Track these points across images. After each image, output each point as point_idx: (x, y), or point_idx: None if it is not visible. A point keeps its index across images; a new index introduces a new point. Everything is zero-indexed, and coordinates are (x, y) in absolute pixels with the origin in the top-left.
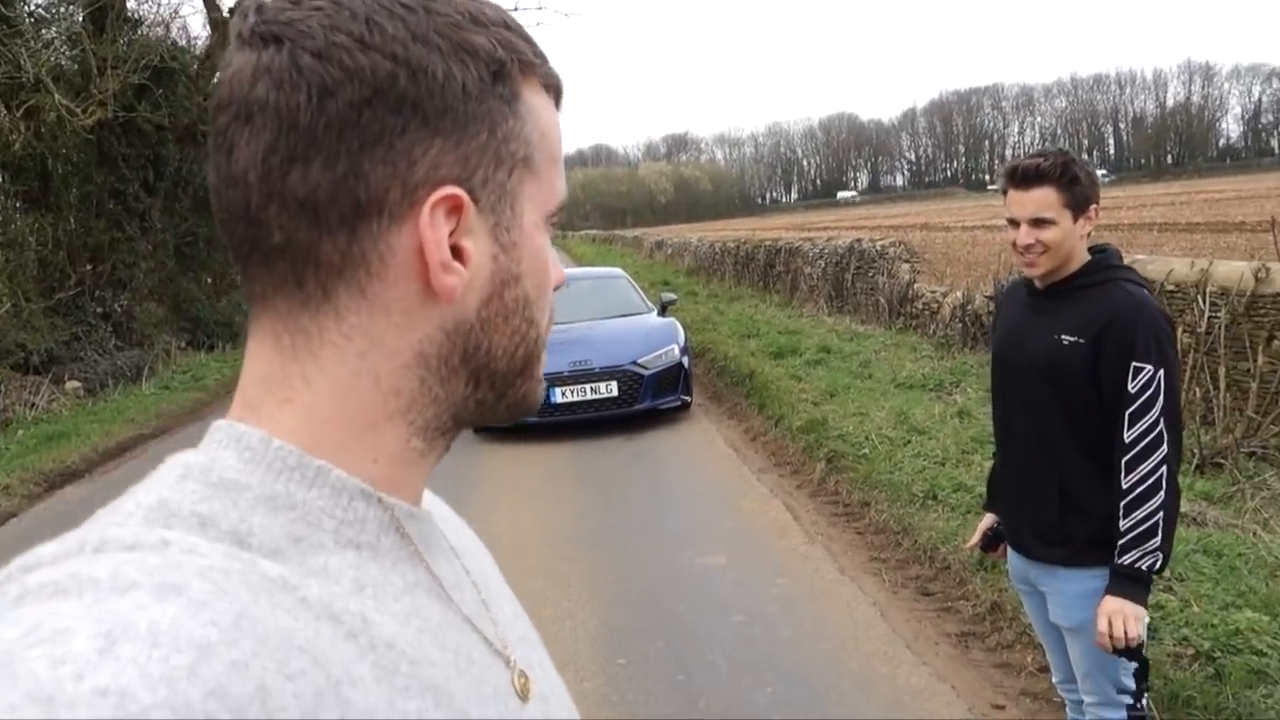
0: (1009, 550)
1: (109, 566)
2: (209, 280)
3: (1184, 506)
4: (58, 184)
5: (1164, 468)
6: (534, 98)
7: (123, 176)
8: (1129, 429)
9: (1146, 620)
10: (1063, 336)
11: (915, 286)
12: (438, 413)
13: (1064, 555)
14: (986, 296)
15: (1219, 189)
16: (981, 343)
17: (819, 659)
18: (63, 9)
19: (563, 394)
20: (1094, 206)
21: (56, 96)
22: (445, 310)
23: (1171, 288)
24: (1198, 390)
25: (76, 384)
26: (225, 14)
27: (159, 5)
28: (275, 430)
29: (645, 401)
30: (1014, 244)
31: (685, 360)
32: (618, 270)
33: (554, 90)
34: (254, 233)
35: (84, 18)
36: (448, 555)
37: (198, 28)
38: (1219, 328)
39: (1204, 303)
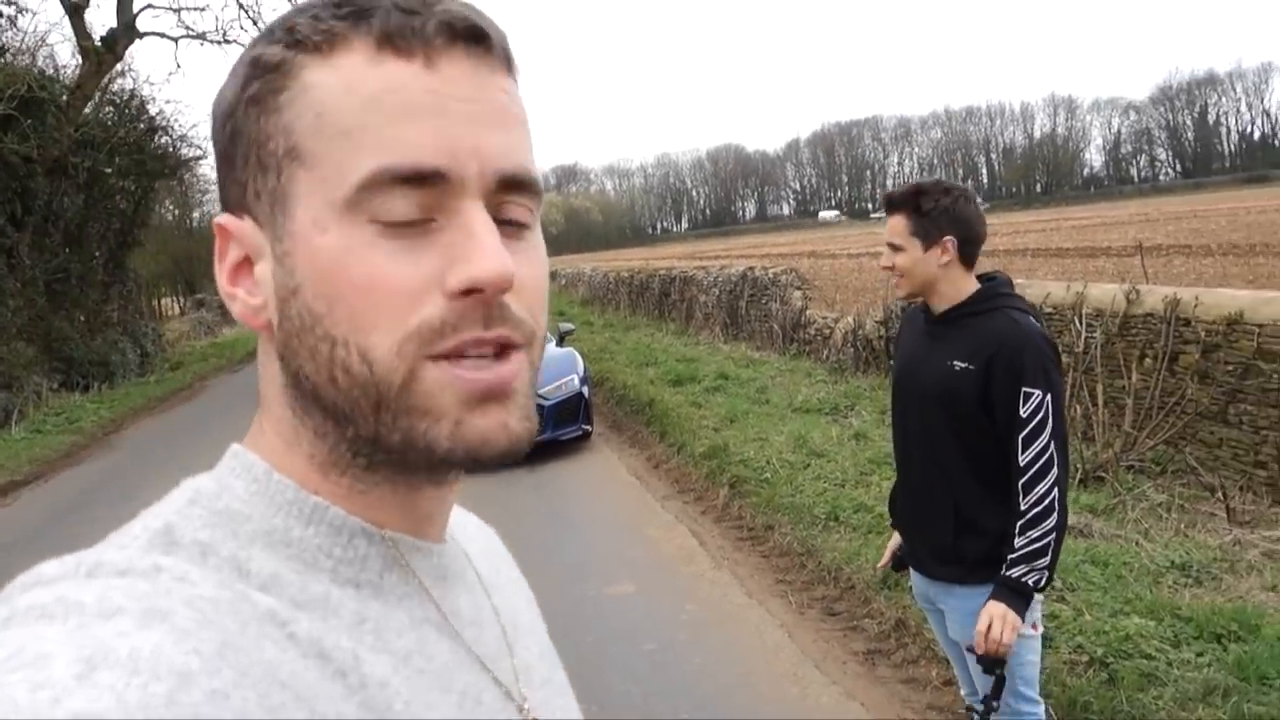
0: (911, 569)
1: (96, 591)
2: (82, 318)
3: (1071, 519)
4: None
5: (1055, 489)
6: (317, 74)
7: None
8: (1023, 453)
9: (1030, 631)
10: (955, 363)
11: (808, 313)
12: (331, 447)
13: (959, 574)
14: (877, 322)
15: (1085, 216)
16: (874, 366)
17: (731, 683)
18: None
19: None
20: (948, 238)
21: None
22: (271, 337)
23: (1050, 310)
24: (1078, 408)
25: None
26: (96, 43)
27: (23, 34)
28: (262, 455)
29: (546, 432)
30: (881, 266)
31: (585, 390)
32: None
33: (378, 41)
34: None
35: None
36: (470, 589)
37: (66, 56)
38: (1095, 347)
39: (1080, 324)
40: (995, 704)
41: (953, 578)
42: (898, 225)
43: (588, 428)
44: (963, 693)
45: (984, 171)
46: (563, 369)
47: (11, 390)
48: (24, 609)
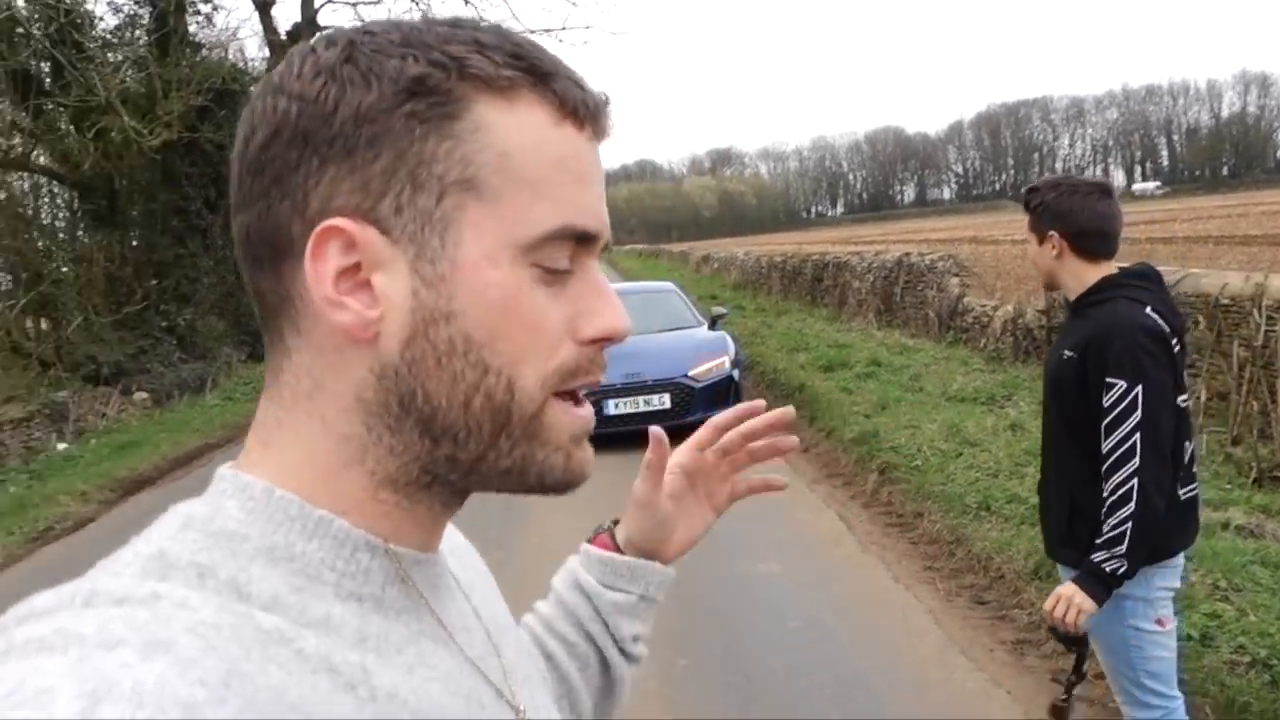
0: None
1: (95, 622)
2: None
3: (1241, 519)
4: (124, 202)
5: (1135, 480)
6: (496, 114)
7: (185, 195)
8: (1104, 441)
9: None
10: (1065, 351)
11: (965, 300)
12: (402, 465)
13: (1074, 557)
14: (1039, 310)
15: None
16: (1034, 356)
17: (875, 664)
18: (128, 34)
19: (616, 406)
20: (1053, 233)
21: (125, 119)
22: (369, 351)
23: (1227, 301)
24: (1255, 404)
25: (144, 395)
26: (282, 37)
27: (217, 30)
28: (259, 474)
29: (697, 413)
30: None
31: (736, 373)
32: (669, 284)
33: (561, 107)
34: (244, 276)
35: (149, 42)
36: (455, 596)
37: (254, 50)
38: (1275, 341)
39: (1260, 316)
40: (1075, 679)
41: (1069, 561)
42: (1026, 222)
43: None
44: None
45: (1164, 154)
46: (716, 352)
47: (206, 361)
48: (21, 642)
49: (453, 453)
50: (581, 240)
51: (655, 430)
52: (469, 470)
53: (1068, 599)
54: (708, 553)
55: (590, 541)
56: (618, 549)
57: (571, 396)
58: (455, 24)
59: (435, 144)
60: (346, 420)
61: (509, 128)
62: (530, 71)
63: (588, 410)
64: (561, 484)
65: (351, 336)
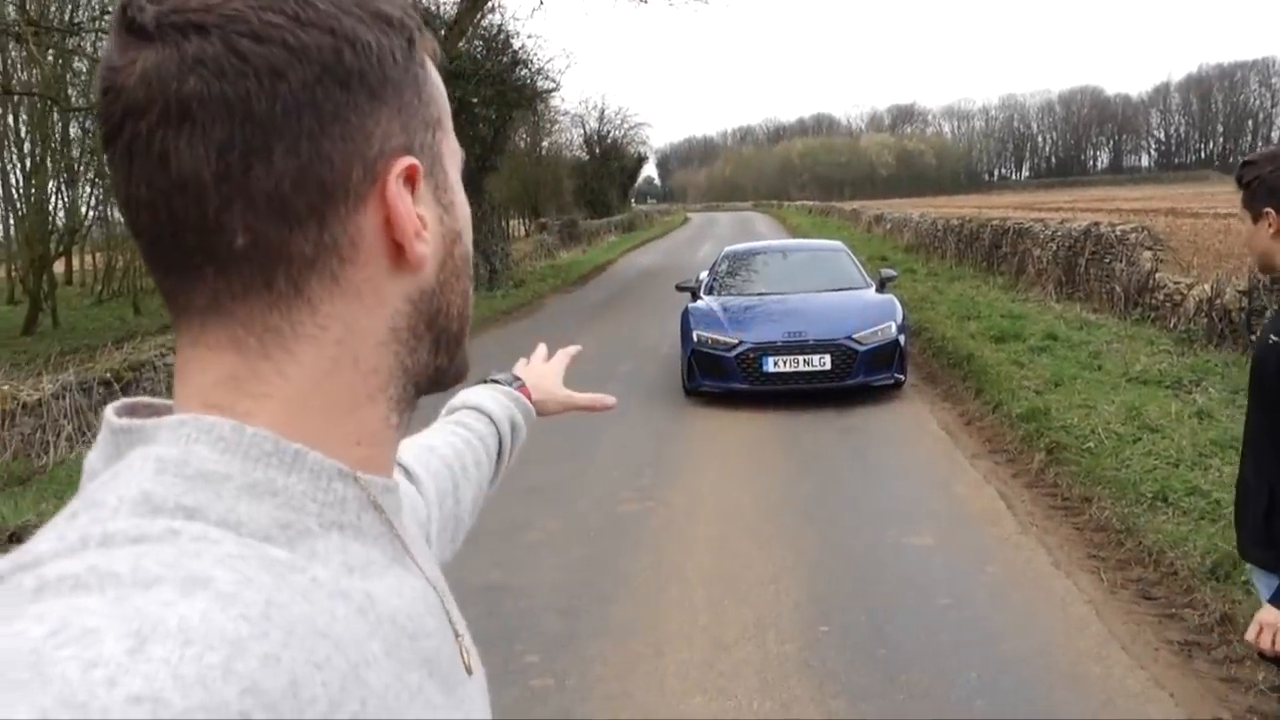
0: None
1: (127, 560)
2: None
3: None
4: None
5: None
6: (424, 55)
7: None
8: None
9: None
10: (1272, 336)
11: (1157, 275)
12: (405, 384)
13: (1269, 558)
14: (1239, 291)
15: None
16: (1230, 340)
17: (1027, 651)
18: None
19: (775, 364)
20: (1268, 210)
21: None
22: (410, 280)
23: None
24: None
25: None
26: None
27: None
28: (254, 424)
29: (858, 377)
30: None
31: (902, 338)
32: (838, 243)
33: (434, 53)
34: (210, 240)
35: None
36: (409, 517)
37: None
38: None
39: None
40: None
41: (1263, 562)
42: (1239, 198)
43: (900, 376)
44: None
45: None
46: (882, 315)
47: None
48: (55, 579)
49: (442, 361)
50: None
51: (612, 399)
52: (439, 375)
53: (1271, 626)
54: (859, 520)
55: (513, 387)
56: (528, 397)
57: None
58: None
59: (427, 87)
60: (379, 353)
61: (431, 70)
62: (420, 25)
63: None
64: (466, 373)
65: (418, 266)
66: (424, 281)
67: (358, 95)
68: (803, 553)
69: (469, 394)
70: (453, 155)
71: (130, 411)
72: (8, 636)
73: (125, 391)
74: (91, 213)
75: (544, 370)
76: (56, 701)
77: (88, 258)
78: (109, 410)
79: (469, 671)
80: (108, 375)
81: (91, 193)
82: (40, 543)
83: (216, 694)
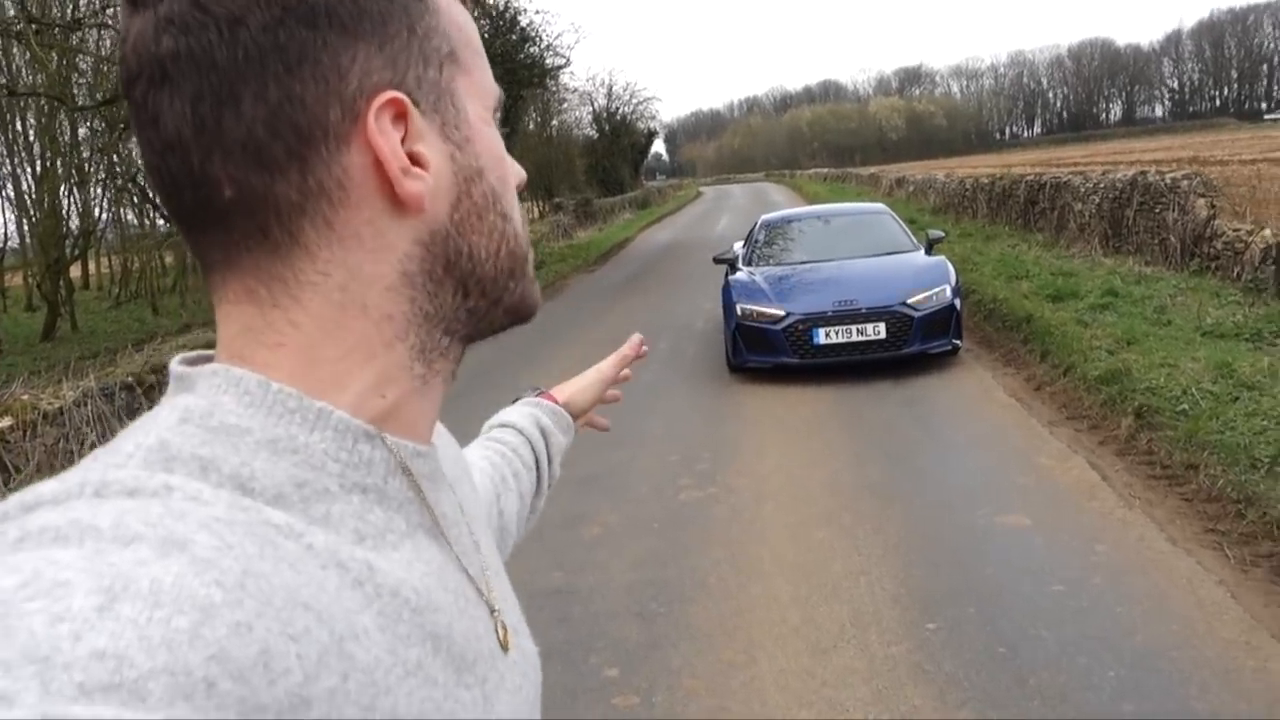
0: None
1: (111, 515)
2: None
3: None
4: None
5: None
6: None
7: None
8: None
9: None
10: None
11: (1215, 224)
12: (430, 331)
13: None
14: None
15: None
16: None
17: (1165, 642)
18: None
19: (826, 335)
20: None
21: None
22: (417, 222)
23: None
24: None
25: None
26: None
27: None
28: (274, 375)
29: (914, 345)
30: None
31: (957, 302)
32: (880, 205)
33: None
34: (204, 194)
35: None
36: (447, 490)
37: None
38: None
39: None
40: None
41: None
42: None
43: (958, 342)
44: None
45: None
46: (936, 278)
47: None
48: (36, 530)
49: (476, 303)
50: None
51: (637, 336)
52: (481, 317)
53: None
54: (942, 501)
55: (539, 395)
56: (554, 401)
57: None
58: None
59: (430, 18)
60: (389, 300)
61: (452, 6)
62: None
63: None
64: (536, 307)
65: (416, 205)
66: (434, 223)
67: (326, 32)
68: (890, 539)
69: (494, 417)
70: (477, 92)
71: (193, 362)
72: None
73: (148, 396)
74: (105, 215)
75: (577, 378)
76: (19, 654)
77: (103, 260)
78: (173, 360)
79: (504, 649)
80: (129, 379)
81: (103, 194)
82: (51, 481)
83: (181, 658)
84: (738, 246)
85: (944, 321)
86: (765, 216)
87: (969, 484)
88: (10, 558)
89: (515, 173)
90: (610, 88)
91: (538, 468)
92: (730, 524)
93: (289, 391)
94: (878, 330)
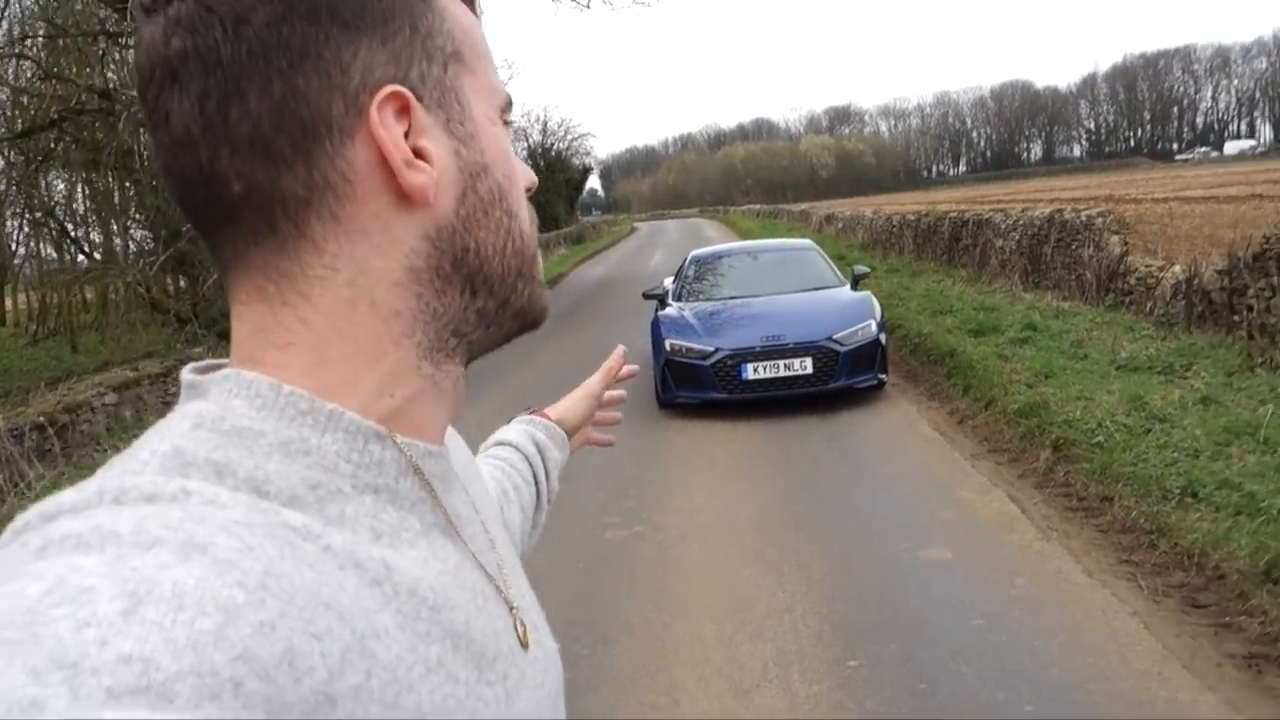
0: None
1: (131, 520)
2: None
3: None
4: None
5: None
6: None
7: None
8: None
9: None
10: None
11: (1128, 260)
12: (438, 330)
13: None
14: (1218, 271)
15: None
16: (1212, 322)
17: (1081, 675)
18: None
19: (754, 370)
20: None
21: None
22: (424, 216)
23: None
24: None
25: None
26: None
27: None
28: (285, 376)
29: (840, 380)
30: None
31: (883, 337)
32: (807, 241)
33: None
34: (214, 190)
35: None
36: (459, 490)
37: None
38: None
39: None
40: None
41: None
42: None
43: (883, 377)
44: None
45: None
46: (860, 314)
47: None
48: (59, 538)
49: (484, 304)
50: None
51: (620, 347)
52: (491, 320)
53: None
54: (866, 535)
55: (530, 413)
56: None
57: None
58: None
59: (432, 19)
60: (398, 295)
61: (457, 7)
62: None
63: None
64: (545, 312)
65: (421, 199)
66: (440, 218)
67: (329, 28)
68: (814, 576)
69: (491, 436)
70: (483, 92)
71: (204, 371)
72: (7, 596)
73: (60, 436)
74: (21, 249)
75: (567, 396)
76: (48, 660)
77: (20, 296)
78: (184, 370)
79: (524, 645)
80: (41, 419)
81: (19, 227)
82: (70, 491)
83: (207, 659)
84: (668, 282)
85: (869, 356)
86: (695, 252)
87: (893, 518)
88: (34, 565)
89: (525, 175)
90: (545, 124)
91: (536, 482)
92: (656, 563)
93: (300, 394)
94: (805, 365)
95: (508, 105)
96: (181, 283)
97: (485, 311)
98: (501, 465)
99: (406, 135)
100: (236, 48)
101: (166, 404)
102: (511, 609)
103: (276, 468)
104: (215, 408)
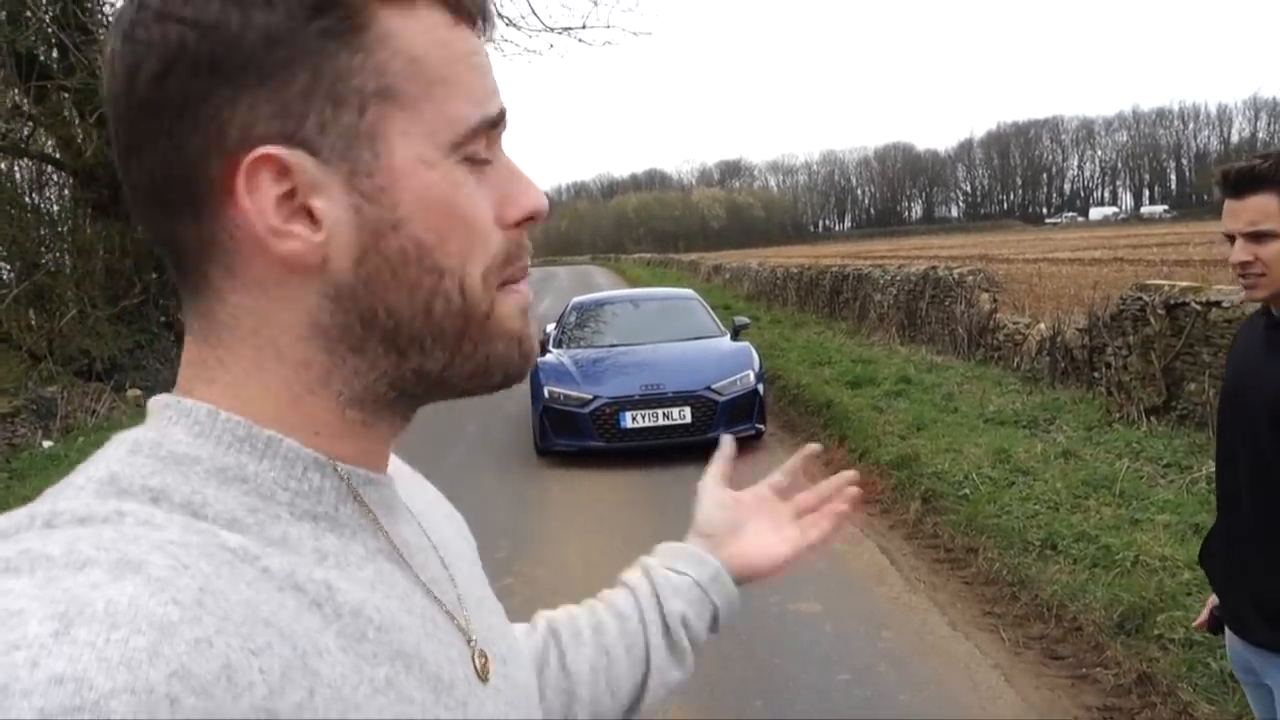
0: (1227, 633)
1: (62, 543)
2: None
3: None
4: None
5: None
6: (400, 21)
7: None
8: None
9: None
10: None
11: (997, 317)
12: (368, 384)
13: None
14: (1079, 329)
15: None
16: (1074, 377)
17: None
18: None
19: (633, 418)
20: None
21: None
22: (317, 277)
23: None
24: None
25: (138, 392)
26: None
27: None
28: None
29: (718, 429)
30: (1231, 263)
31: (760, 387)
32: (689, 291)
33: (456, 9)
34: (144, 230)
35: None
36: (407, 519)
37: None
38: None
39: None
40: None
41: None
42: (1267, 206)
43: (761, 427)
44: None
45: (1173, 178)
46: (739, 364)
47: None
48: None
49: (420, 364)
50: (494, 126)
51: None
52: (437, 380)
53: None
54: (738, 590)
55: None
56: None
57: (512, 283)
58: None
59: (348, 58)
60: (304, 348)
61: (414, 32)
62: None
63: (524, 287)
64: (520, 372)
65: (299, 265)
66: (339, 277)
67: (207, 83)
68: None
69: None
70: (426, 127)
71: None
72: None
73: None
74: None
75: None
76: None
77: None
78: (151, 401)
79: (483, 679)
80: None
81: None
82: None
83: (142, 676)
84: (550, 328)
85: (748, 406)
86: (576, 299)
87: None
88: None
89: (524, 206)
90: None
91: (643, 620)
92: (524, 617)
93: (238, 420)
94: (683, 414)
95: (474, 133)
96: (35, 319)
97: (425, 372)
98: (594, 607)
99: (293, 194)
100: (129, 100)
101: (12, 445)
102: (470, 641)
103: (214, 493)
104: (153, 434)
